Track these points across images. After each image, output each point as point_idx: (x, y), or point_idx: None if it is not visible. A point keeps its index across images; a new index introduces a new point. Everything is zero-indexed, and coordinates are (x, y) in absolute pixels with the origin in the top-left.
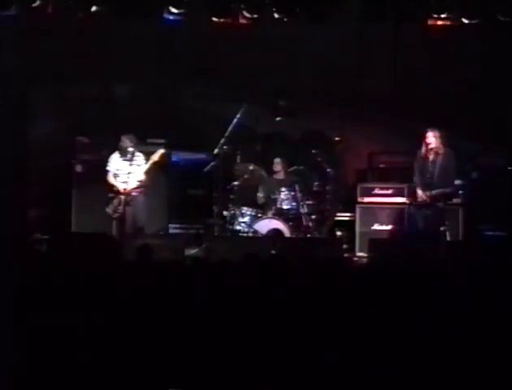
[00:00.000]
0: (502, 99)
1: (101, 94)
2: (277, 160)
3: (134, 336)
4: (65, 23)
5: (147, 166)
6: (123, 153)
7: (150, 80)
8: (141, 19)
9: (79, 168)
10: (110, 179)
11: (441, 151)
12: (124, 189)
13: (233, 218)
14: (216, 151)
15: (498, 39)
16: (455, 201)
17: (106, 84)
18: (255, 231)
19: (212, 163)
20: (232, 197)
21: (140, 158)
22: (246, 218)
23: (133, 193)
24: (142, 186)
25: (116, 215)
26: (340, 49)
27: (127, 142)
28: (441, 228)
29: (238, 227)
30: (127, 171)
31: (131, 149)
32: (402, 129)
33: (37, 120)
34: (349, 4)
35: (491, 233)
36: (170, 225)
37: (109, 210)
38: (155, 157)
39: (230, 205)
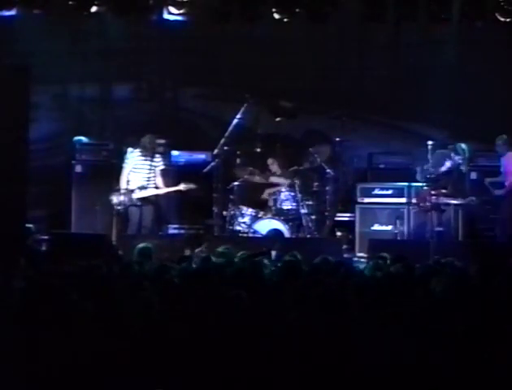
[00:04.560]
0: (502, 99)
1: (102, 94)
2: (270, 161)
3: (133, 337)
4: (65, 23)
5: (170, 189)
6: (144, 153)
7: (150, 80)
8: (141, 19)
9: (79, 168)
10: (125, 175)
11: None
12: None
13: (233, 218)
14: (216, 151)
15: (498, 39)
16: (455, 201)
17: (106, 84)
18: (255, 232)
19: (212, 163)
20: (231, 197)
21: (159, 159)
22: (246, 219)
23: (146, 195)
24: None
25: (119, 208)
26: (340, 49)
27: (146, 142)
28: (441, 228)
29: (238, 228)
30: (146, 174)
31: (151, 150)
32: (402, 129)
33: (38, 120)
34: (349, 4)
35: (491, 233)
36: (170, 225)
37: (114, 199)
38: (182, 187)
39: (230, 206)
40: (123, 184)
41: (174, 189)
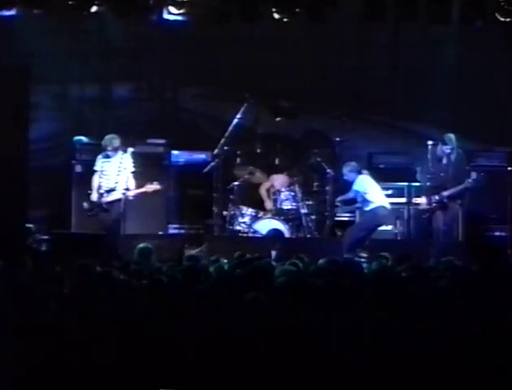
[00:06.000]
0: (502, 99)
1: (102, 94)
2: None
3: (133, 337)
4: (65, 23)
5: (138, 191)
6: (105, 154)
7: (150, 80)
8: (141, 19)
9: (79, 168)
10: (96, 179)
11: (454, 152)
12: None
13: (233, 218)
14: (216, 151)
15: (498, 39)
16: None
17: (106, 84)
18: (255, 232)
19: (212, 163)
20: (231, 197)
21: (127, 160)
22: (246, 219)
23: (114, 199)
24: (126, 198)
25: (90, 214)
26: (340, 49)
27: (106, 142)
28: (444, 227)
29: (238, 227)
30: (114, 176)
31: (115, 151)
32: (402, 129)
33: (38, 120)
34: (349, 4)
35: (491, 233)
36: (170, 225)
37: (85, 204)
38: (150, 188)
39: (230, 206)
40: (93, 189)
41: (139, 191)
